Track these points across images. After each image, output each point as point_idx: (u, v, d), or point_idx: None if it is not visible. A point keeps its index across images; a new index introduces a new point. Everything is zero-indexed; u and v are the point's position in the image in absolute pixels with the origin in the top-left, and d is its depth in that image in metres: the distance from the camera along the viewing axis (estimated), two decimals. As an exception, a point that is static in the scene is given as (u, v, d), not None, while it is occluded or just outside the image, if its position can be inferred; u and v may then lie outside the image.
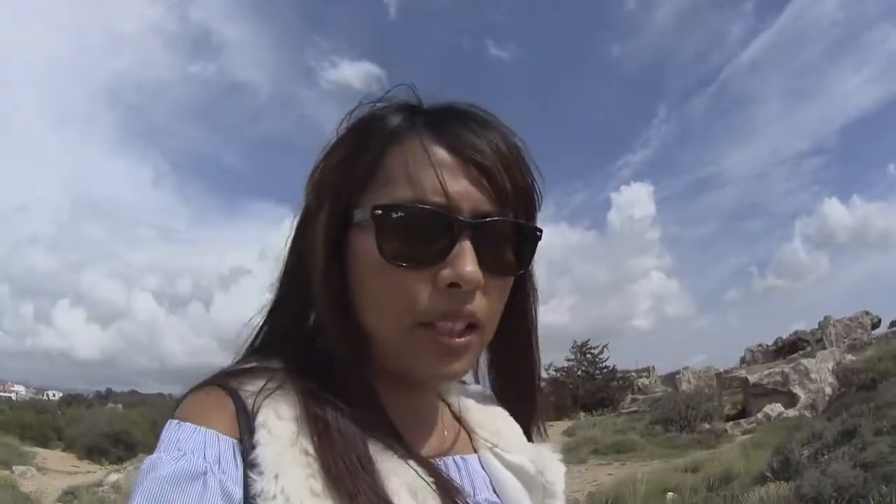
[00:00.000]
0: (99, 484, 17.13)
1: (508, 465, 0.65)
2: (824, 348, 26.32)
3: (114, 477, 17.40)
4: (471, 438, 0.67)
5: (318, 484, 0.48)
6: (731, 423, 20.40)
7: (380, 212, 0.53)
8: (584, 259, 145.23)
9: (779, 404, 19.81)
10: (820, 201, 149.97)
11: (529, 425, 0.72)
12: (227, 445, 0.49)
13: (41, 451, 28.90)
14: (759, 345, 32.19)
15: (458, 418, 0.69)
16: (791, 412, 18.74)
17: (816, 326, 29.40)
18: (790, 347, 29.52)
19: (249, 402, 0.52)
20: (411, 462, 0.54)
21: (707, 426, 19.55)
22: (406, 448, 0.55)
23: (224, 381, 0.54)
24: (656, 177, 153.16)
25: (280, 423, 0.51)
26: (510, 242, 0.57)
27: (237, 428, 0.50)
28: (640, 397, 26.05)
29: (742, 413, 21.29)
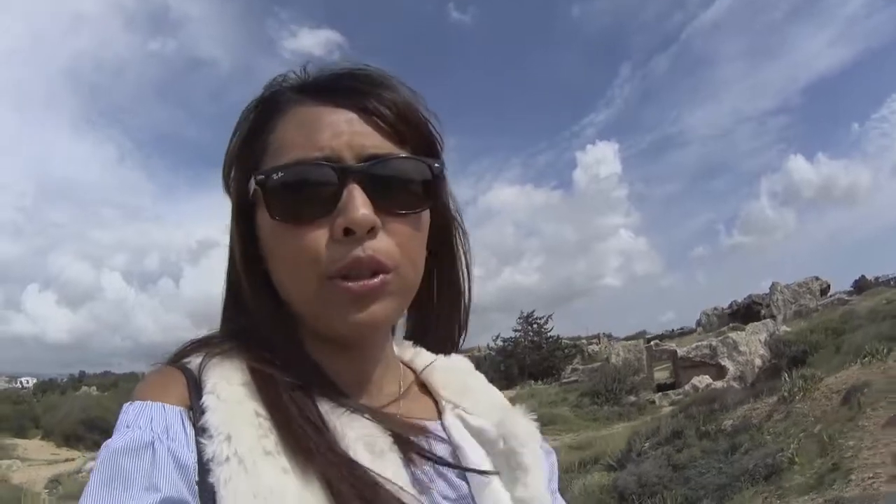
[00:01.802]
0: (78, 471, 19.35)
1: (471, 429, 0.63)
2: (772, 315, 26.83)
3: (91, 464, 18.63)
4: (437, 405, 0.66)
5: (270, 443, 0.49)
6: (660, 394, 21.19)
7: (262, 177, 0.54)
8: (552, 219, 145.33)
9: (707, 376, 20.50)
10: (785, 159, 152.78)
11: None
12: (174, 414, 0.50)
13: (21, 443, 30.71)
14: (715, 308, 32.64)
15: (423, 383, 0.68)
16: (719, 384, 19.41)
17: (768, 291, 29.75)
18: (745, 311, 29.96)
19: (197, 372, 0.54)
20: (365, 415, 0.55)
21: (633, 398, 20.20)
22: (356, 403, 0.56)
23: (173, 359, 0.57)
24: (621, 136, 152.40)
25: (229, 388, 0.52)
26: (410, 180, 0.57)
27: (187, 397, 0.52)
28: (580, 367, 26.63)
29: (674, 384, 22.04)
